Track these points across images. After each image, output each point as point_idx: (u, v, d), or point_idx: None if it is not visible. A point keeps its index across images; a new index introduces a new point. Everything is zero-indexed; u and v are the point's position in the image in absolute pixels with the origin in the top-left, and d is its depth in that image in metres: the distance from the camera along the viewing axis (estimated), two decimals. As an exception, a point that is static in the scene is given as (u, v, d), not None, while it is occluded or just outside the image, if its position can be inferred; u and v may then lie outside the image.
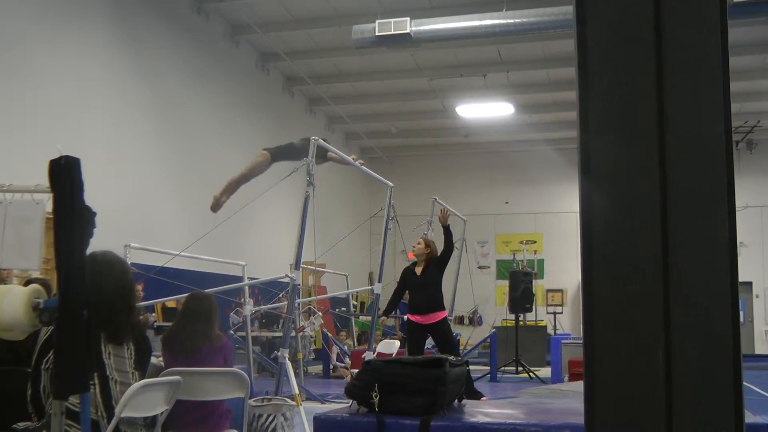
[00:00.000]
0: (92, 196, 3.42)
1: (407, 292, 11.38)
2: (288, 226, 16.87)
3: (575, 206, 1.43)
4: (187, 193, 16.17)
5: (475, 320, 20.23)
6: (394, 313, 13.46)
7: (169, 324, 8.50)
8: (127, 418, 4.54)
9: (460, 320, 23.66)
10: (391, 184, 12.62)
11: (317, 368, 17.84)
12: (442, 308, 11.04)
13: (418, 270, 11.10)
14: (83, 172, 3.35)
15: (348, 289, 19.14)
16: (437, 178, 26.76)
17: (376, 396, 4.24)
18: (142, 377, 4.72)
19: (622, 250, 1.33)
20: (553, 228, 26.60)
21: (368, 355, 11.74)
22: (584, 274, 1.36)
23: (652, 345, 1.31)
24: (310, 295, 18.20)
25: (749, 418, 4.00)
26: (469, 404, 4.69)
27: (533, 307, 20.65)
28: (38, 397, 4.41)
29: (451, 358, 4.50)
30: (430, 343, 12.32)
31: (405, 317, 12.54)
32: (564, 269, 25.28)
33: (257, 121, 19.85)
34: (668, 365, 1.30)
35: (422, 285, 10.95)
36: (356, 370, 5.27)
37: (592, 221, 1.35)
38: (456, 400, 4.62)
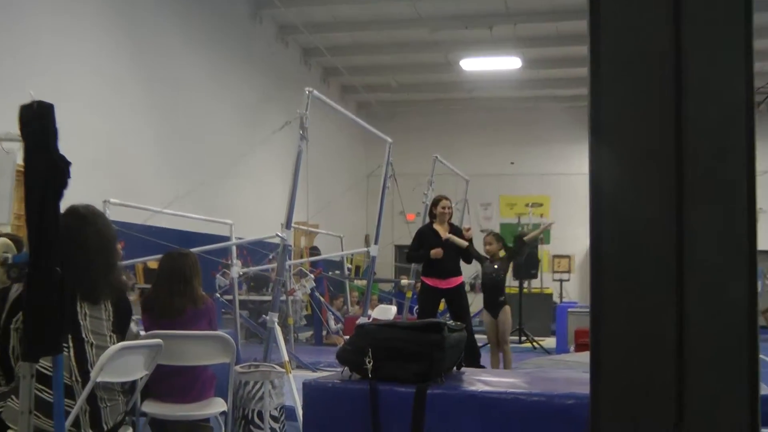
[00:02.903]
0: (68, 147, 3.38)
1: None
2: (279, 183, 16.84)
3: (585, 168, 1.40)
4: (172, 147, 16.11)
5: (476, 287, 20.15)
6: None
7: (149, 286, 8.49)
8: (104, 383, 4.53)
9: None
10: (389, 139, 12.58)
11: (308, 334, 17.88)
12: (461, 273, 11.13)
13: (443, 231, 11.10)
14: (59, 121, 3.31)
15: (342, 251, 19.14)
16: (439, 136, 26.69)
17: (369, 362, 4.23)
18: (120, 341, 4.71)
19: (634, 210, 1.31)
20: (561, 190, 26.57)
21: (363, 321, 11.75)
22: (593, 235, 1.34)
23: (663, 309, 1.28)
24: (302, 257, 18.20)
25: (764, 390, 4.00)
26: (468, 372, 4.68)
27: (538, 273, 20.71)
28: (7, 358, 4.40)
29: (450, 322, 4.49)
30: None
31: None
32: (572, 234, 25.23)
33: (248, 72, 19.76)
34: (680, 331, 1.28)
35: (447, 247, 10.96)
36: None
37: (602, 180, 1.32)
38: (455, 368, 4.61)
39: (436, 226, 11.19)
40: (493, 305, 11.20)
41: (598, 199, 1.33)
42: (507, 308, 11.20)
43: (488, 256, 11.34)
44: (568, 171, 25.93)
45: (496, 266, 11.21)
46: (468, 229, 11.37)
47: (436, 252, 10.76)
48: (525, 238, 11.80)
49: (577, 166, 25.48)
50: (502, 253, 11.19)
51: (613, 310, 1.32)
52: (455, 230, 11.26)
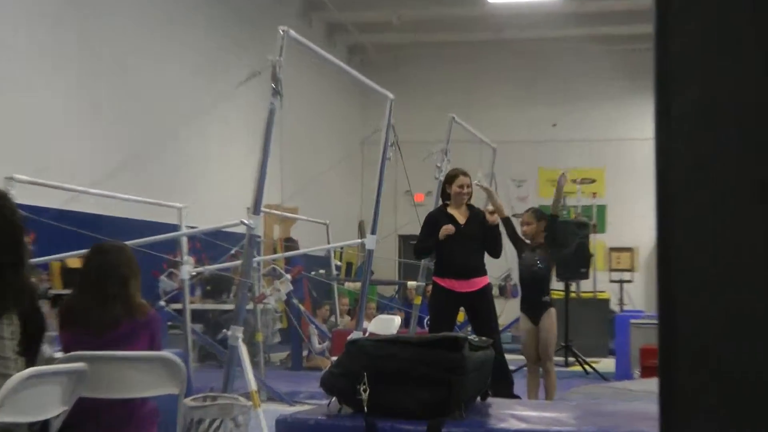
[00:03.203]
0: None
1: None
2: (245, 154, 16.83)
3: (650, 131, 1.38)
4: (102, 107, 16.08)
5: (507, 290, 20.14)
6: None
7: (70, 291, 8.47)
8: (5, 425, 4.51)
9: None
10: (391, 95, 12.58)
11: (284, 355, 17.91)
12: (486, 272, 11.07)
13: (460, 217, 10.98)
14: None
15: (329, 244, 19.16)
16: (456, 90, 26.70)
17: (364, 390, 4.23)
18: (29, 365, 4.68)
19: (713, 184, 1.29)
20: (619, 161, 26.61)
21: (356, 336, 11.75)
22: (660, 221, 1.32)
23: (754, 315, 1.27)
24: (275, 252, 18.22)
25: None
26: (497, 404, 4.68)
27: (590, 272, 20.68)
28: None
29: (472, 337, 4.49)
30: None
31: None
32: (635, 219, 25.23)
33: (204, 9, 19.71)
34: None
35: (467, 237, 10.84)
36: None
37: (671, 146, 1.31)
38: (479, 398, 4.61)
39: (451, 210, 11.06)
40: (533, 307, 11.19)
41: (667, 171, 1.32)
42: (552, 311, 11.18)
43: (527, 240, 11.32)
44: (628, 136, 25.94)
45: (536, 252, 11.20)
46: (493, 212, 11.25)
47: (447, 228, 10.60)
48: (551, 208, 11.73)
49: (640, 130, 25.40)
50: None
51: (689, 318, 1.31)
52: (476, 215, 11.12)
